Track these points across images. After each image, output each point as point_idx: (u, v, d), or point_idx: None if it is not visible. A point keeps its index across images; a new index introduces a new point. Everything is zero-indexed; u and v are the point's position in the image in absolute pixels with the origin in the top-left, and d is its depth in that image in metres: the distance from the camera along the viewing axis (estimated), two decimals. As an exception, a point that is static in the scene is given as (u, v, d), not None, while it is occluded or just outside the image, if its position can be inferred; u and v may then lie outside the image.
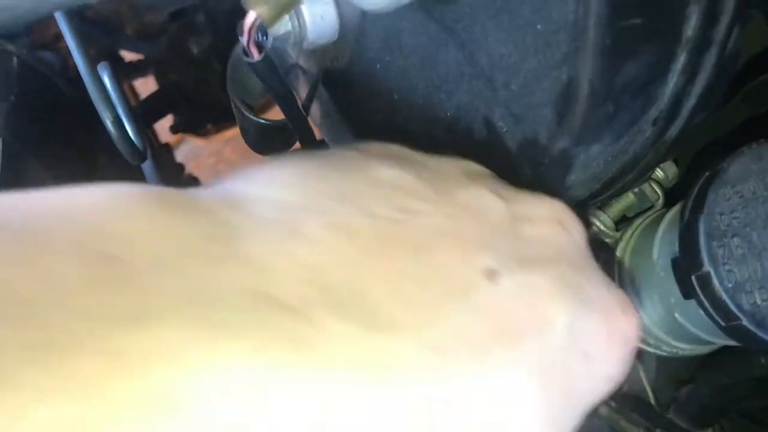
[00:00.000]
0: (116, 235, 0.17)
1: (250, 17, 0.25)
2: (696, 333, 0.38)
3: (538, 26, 0.26)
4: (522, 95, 0.28)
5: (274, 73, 0.31)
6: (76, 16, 0.46)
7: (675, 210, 0.39)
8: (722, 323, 0.32)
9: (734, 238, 0.32)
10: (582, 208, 0.29)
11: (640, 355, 0.46)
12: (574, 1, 0.24)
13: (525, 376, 0.20)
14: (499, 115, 0.30)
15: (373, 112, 0.39)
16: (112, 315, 0.15)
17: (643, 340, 0.43)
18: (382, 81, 0.36)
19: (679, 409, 0.46)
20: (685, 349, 0.42)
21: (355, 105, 0.40)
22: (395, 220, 0.21)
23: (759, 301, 0.31)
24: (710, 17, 0.27)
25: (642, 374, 0.46)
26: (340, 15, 0.35)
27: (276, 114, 0.36)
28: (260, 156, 0.39)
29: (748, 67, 0.41)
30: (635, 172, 0.32)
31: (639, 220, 0.43)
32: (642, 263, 0.41)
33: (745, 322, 0.31)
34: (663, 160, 0.36)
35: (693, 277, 0.33)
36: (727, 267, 0.32)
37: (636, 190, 0.42)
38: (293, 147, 0.38)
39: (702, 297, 0.33)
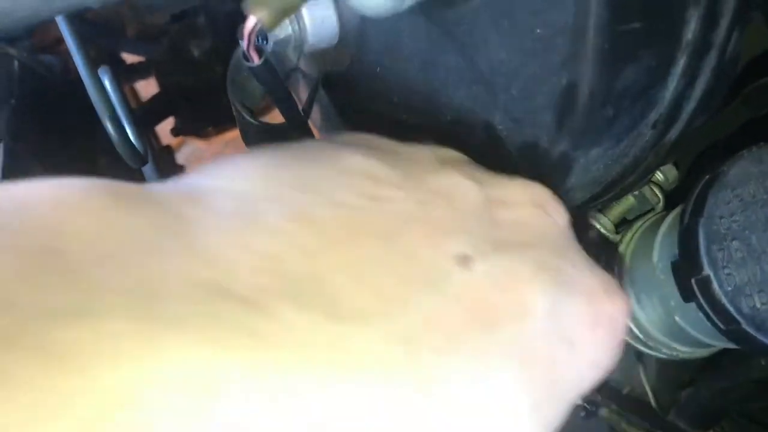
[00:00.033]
0: (63, 229, 0.16)
1: (251, 22, 0.25)
2: (696, 336, 0.38)
3: (538, 30, 0.26)
4: (522, 99, 0.28)
5: (275, 76, 0.31)
6: (77, 18, 0.46)
7: (675, 213, 0.39)
8: (722, 326, 0.33)
9: (734, 242, 0.32)
10: (582, 211, 0.29)
11: (640, 357, 0.46)
12: (574, 5, 0.25)
13: (503, 365, 0.19)
14: (500, 119, 0.30)
15: (374, 116, 0.39)
16: (51, 310, 0.14)
17: (644, 343, 0.43)
18: (383, 84, 0.36)
19: (679, 411, 0.46)
20: (685, 351, 0.42)
21: (356, 108, 0.40)
22: (362, 207, 0.20)
23: (758, 305, 0.31)
24: (710, 20, 0.27)
25: (643, 376, 0.46)
26: (341, 19, 0.35)
27: (276, 117, 0.36)
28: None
29: (748, 69, 0.41)
30: (635, 175, 0.32)
31: (639, 223, 0.43)
32: (642, 266, 0.41)
33: (744, 325, 0.31)
34: (663, 163, 0.36)
35: (693, 281, 0.33)
36: (726, 270, 0.32)
37: (636, 192, 0.42)
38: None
39: (702, 300, 0.33)
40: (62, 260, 0.15)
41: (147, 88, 0.84)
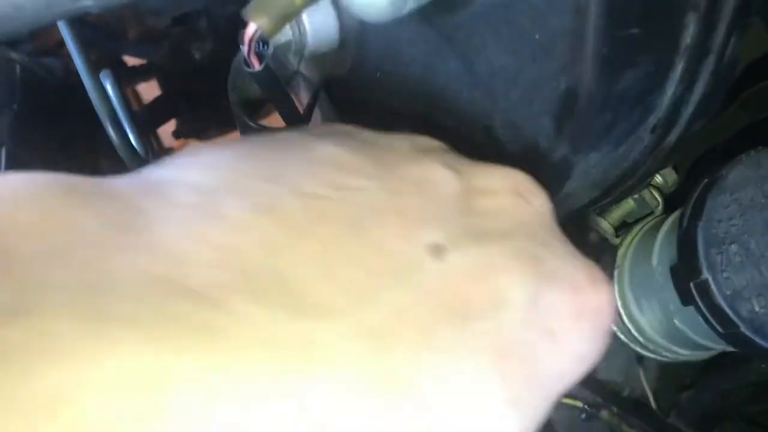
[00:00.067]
0: (8, 227, 0.15)
1: (251, 29, 0.26)
2: (695, 339, 0.38)
3: (537, 36, 0.26)
4: (521, 104, 0.29)
5: (275, 81, 0.31)
6: (78, 22, 0.46)
7: (674, 216, 0.39)
8: (721, 330, 0.33)
9: (732, 246, 0.32)
10: (582, 215, 0.29)
11: (641, 359, 0.46)
12: (572, 11, 0.25)
13: (479, 358, 0.18)
14: (499, 123, 0.30)
15: (374, 120, 0.39)
16: None
17: (644, 346, 0.43)
18: (383, 89, 0.36)
19: (680, 414, 0.46)
20: (685, 354, 0.42)
21: (356, 112, 0.40)
22: (330, 197, 0.19)
23: (757, 308, 0.31)
24: (708, 25, 0.27)
25: (643, 379, 0.46)
26: (341, 23, 0.35)
27: (277, 121, 0.37)
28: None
29: (747, 73, 0.41)
30: (634, 178, 0.32)
31: (639, 226, 0.43)
32: (642, 269, 0.41)
33: (743, 329, 0.31)
34: (662, 167, 0.36)
35: (691, 284, 0.33)
36: (725, 274, 0.32)
37: (636, 196, 0.42)
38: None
39: (700, 304, 0.33)
40: (5, 258, 0.15)
41: (149, 90, 0.84)
